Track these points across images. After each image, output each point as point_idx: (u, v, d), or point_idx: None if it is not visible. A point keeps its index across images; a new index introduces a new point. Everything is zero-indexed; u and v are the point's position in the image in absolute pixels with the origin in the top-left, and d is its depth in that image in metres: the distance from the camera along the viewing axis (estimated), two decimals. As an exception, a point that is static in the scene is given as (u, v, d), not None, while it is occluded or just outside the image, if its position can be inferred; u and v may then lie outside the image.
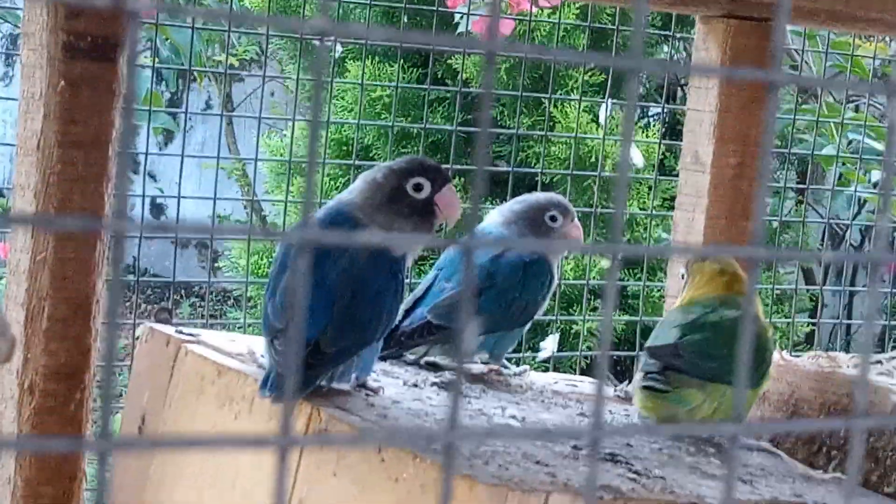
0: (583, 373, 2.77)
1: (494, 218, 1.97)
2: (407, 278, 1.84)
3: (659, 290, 3.72)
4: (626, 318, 3.70)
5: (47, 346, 1.71)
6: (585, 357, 3.36)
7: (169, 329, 1.80)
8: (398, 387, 1.77)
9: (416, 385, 1.78)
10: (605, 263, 3.29)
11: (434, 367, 1.88)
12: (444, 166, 1.82)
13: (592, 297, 3.65)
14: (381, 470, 1.52)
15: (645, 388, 1.73)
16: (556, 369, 2.92)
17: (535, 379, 1.96)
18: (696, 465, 1.68)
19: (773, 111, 0.65)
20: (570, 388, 1.95)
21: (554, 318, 3.07)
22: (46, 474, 1.73)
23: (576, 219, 2.00)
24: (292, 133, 3.07)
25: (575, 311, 3.68)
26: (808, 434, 1.79)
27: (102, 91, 1.69)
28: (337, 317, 1.61)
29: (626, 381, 2.09)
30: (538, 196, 2.05)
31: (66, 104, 1.67)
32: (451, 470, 0.46)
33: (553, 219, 1.96)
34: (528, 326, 2.01)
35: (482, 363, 1.93)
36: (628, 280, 3.79)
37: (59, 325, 1.71)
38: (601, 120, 3.40)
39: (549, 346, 2.86)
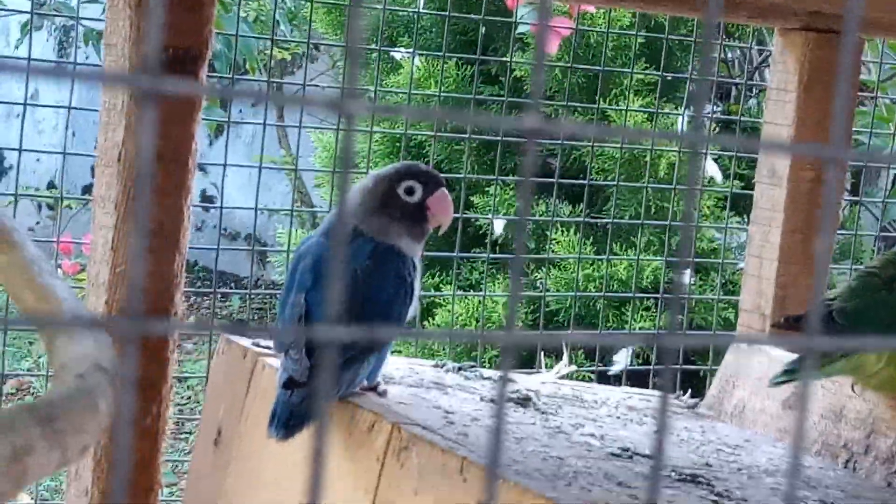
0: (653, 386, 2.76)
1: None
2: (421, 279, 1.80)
3: (724, 304, 3.69)
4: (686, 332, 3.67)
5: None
6: (631, 370, 3.35)
7: (245, 342, 1.79)
8: (475, 403, 1.76)
9: (492, 401, 1.77)
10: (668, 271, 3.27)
11: (510, 383, 1.87)
12: (435, 171, 1.70)
13: (645, 299, 3.62)
14: (462, 489, 1.51)
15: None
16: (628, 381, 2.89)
17: (609, 394, 1.94)
18: (777, 486, 1.67)
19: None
20: (644, 403, 1.93)
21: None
22: (124, 486, 1.73)
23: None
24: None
25: (626, 311, 3.66)
26: (886, 454, 1.77)
27: (183, 103, 1.68)
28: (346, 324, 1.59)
29: (689, 391, 2.07)
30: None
31: (147, 117, 1.66)
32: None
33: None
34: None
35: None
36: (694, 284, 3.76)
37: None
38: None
39: (622, 359, 2.84)
